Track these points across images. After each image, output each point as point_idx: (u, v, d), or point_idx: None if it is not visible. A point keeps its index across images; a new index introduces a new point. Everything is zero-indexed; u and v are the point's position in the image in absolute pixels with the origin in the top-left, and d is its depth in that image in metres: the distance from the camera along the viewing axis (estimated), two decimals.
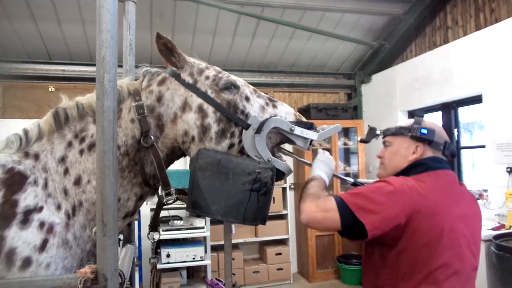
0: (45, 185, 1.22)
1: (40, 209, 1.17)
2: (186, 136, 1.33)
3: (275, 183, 1.39)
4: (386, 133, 1.75)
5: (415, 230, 1.41)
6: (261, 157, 1.35)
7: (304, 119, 1.46)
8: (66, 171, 1.25)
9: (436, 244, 1.41)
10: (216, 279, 4.60)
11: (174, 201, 1.38)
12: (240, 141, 1.35)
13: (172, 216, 4.97)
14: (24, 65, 5.07)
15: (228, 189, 1.30)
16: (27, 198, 1.17)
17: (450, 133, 4.76)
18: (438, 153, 1.63)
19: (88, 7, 4.38)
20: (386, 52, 5.67)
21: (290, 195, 5.90)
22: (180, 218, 4.90)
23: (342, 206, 1.42)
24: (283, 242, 5.69)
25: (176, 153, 1.41)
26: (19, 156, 1.24)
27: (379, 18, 5.37)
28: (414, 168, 1.59)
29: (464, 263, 1.45)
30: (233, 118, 1.32)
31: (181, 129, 1.32)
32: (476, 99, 4.32)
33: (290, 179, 5.85)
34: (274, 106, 1.42)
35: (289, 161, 1.49)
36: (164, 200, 1.35)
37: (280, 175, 1.40)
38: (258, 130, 1.34)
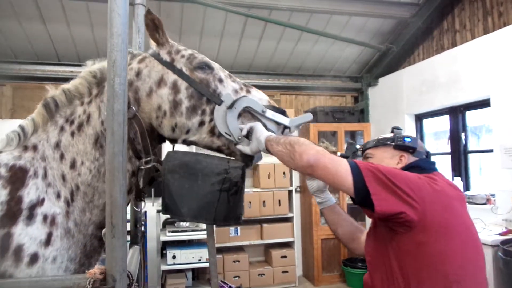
0: (45, 174, 1.26)
1: (42, 201, 1.21)
2: (159, 110, 1.35)
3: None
4: (367, 146, 1.72)
5: (430, 223, 1.34)
6: (232, 135, 1.33)
7: (277, 106, 1.43)
8: (62, 156, 1.29)
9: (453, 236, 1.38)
10: (221, 281, 4.61)
11: (152, 168, 1.37)
12: (211, 120, 1.35)
13: None
14: (33, 66, 5.13)
15: (197, 191, 1.31)
16: (30, 193, 1.20)
17: (457, 137, 4.73)
18: None
19: (96, 10, 4.42)
20: (393, 55, 5.65)
21: (296, 197, 5.89)
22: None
23: (353, 165, 1.31)
24: (288, 245, 5.68)
25: (154, 132, 1.41)
26: (19, 151, 1.28)
27: (387, 21, 5.36)
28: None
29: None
30: (206, 94, 1.35)
31: (155, 103, 1.36)
32: (484, 103, 4.30)
33: (296, 181, 5.79)
34: (248, 91, 1.43)
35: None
36: (143, 166, 1.34)
37: (248, 162, 1.37)
38: (230, 107, 1.34)
